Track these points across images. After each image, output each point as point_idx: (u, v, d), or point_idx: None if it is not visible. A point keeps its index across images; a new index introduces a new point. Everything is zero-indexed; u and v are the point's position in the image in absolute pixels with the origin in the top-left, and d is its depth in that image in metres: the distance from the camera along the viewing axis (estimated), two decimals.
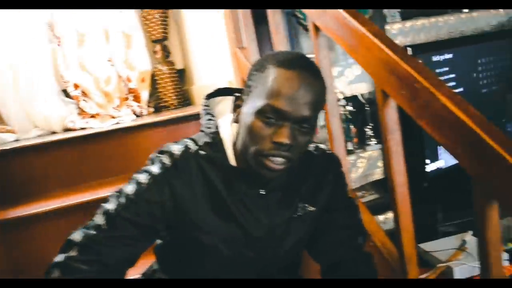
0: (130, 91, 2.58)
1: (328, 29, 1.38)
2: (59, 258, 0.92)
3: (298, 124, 0.92)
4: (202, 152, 0.99)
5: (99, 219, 0.94)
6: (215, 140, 1.00)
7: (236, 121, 0.98)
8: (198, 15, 2.51)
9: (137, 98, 2.58)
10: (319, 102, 0.94)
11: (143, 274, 1.20)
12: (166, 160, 0.97)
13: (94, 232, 0.93)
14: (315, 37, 1.48)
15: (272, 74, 0.91)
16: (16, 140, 2.39)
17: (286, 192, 1.05)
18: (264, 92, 0.91)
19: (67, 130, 2.41)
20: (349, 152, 2.49)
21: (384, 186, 2.61)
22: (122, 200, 0.95)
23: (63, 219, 1.76)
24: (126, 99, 2.56)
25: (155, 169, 0.96)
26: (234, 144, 1.00)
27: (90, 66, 2.53)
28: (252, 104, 0.93)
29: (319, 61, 1.50)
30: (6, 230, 1.75)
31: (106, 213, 0.94)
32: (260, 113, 0.91)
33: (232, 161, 1.00)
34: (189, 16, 2.66)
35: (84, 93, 2.48)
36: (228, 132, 1.01)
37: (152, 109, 2.67)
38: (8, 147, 2.11)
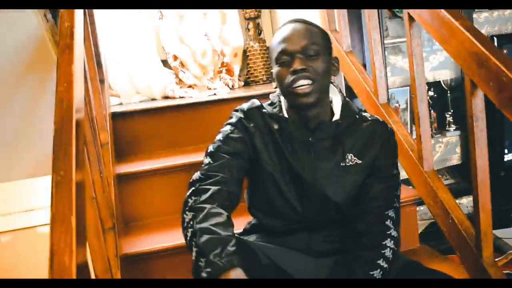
0: (224, 64, 2.77)
1: (422, 20, 1.47)
2: (188, 192, 1.20)
3: (304, 53, 1.19)
4: (264, 109, 1.31)
5: (205, 160, 1.26)
6: (274, 101, 1.32)
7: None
8: None
9: (229, 72, 2.76)
10: (312, 33, 1.22)
11: (244, 229, 1.42)
12: (239, 113, 1.31)
13: (206, 167, 1.24)
14: (409, 27, 1.57)
15: (275, 36, 1.25)
16: (120, 104, 2.64)
17: (333, 142, 1.27)
18: (273, 48, 1.23)
19: (166, 97, 2.64)
20: None
21: (460, 172, 2.67)
22: (216, 144, 1.28)
23: (164, 177, 1.99)
24: (220, 72, 2.75)
25: (233, 120, 1.31)
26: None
27: (188, 40, 2.73)
28: (272, 63, 1.25)
29: (412, 49, 1.59)
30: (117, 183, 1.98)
31: (209, 154, 1.27)
32: (277, 62, 1.22)
33: (285, 114, 1.28)
34: None
35: (182, 64, 2.70)
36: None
37: (242, 83, 2.85)
38: (118, 110, 2.35)
